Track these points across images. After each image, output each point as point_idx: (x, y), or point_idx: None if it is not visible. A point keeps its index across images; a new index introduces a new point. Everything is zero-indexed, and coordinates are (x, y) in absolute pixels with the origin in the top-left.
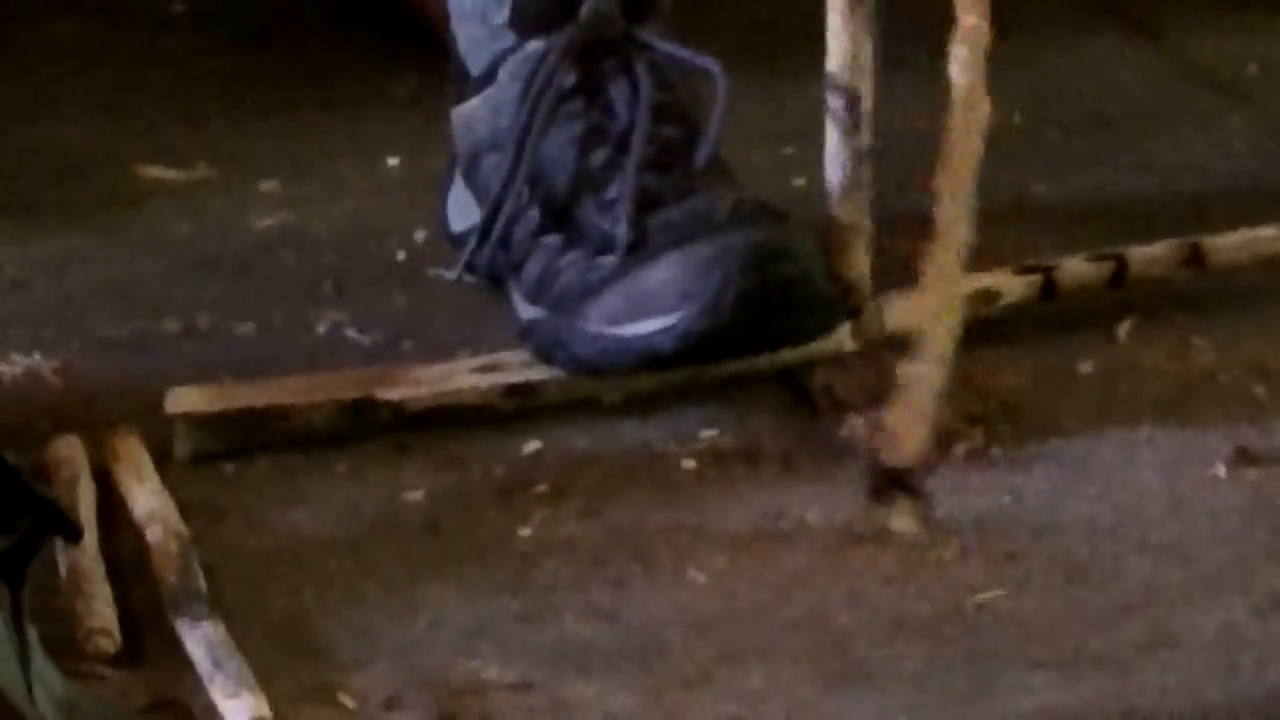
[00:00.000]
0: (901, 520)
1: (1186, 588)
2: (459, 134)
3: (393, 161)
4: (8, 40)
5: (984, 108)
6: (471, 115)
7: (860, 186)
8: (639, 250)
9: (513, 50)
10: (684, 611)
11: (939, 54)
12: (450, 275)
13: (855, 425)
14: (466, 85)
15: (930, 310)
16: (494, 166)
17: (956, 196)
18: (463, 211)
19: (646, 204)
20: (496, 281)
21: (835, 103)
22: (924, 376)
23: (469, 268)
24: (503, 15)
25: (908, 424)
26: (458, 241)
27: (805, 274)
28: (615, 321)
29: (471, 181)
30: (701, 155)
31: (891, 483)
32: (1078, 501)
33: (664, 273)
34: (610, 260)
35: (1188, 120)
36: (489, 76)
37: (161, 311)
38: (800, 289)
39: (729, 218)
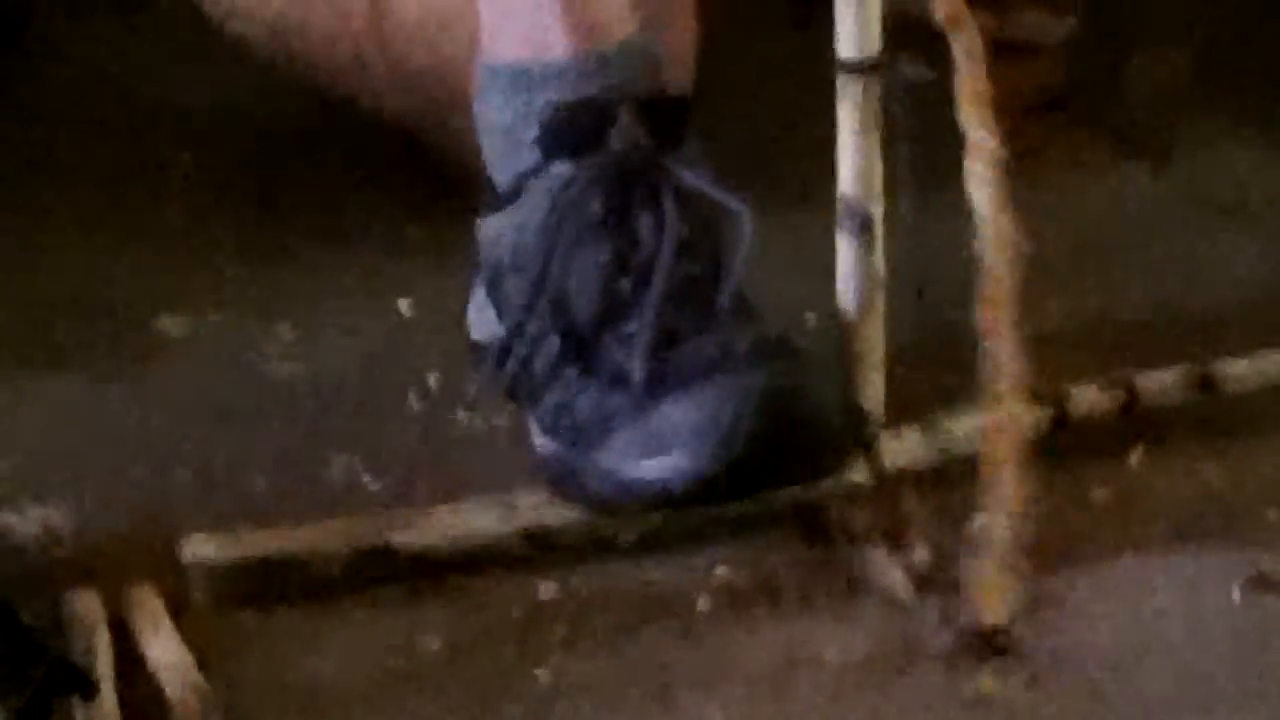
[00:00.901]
0: (997, 681)
1: (1206, 710)
2: (483, 246)
3: (405, 304)
4: (23, 189)
5: (1017, 241)
6: (496, 231)
7: (874, 314)
8: (654, 387)
9: (539, 170)
10: None
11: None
12: (465, 405)
13: (872, 560)
14: (492, 198)
15: (995, 454)
16: (516, 287)
17: (1004, 335)
18: (484, 321)
19: (665, 339)
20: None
21: (847, 226)
22: (999, 527)
23: (485, 390)
24: (530, 133)
25: (993, 580)
26: (477, 350)
27: (819, 414)
28: (629, 458)
29: (494, 294)
30: (723, 295)
31: (984, 643)
32: (1095, 626)
33: (678, 411)
34: (625, 396)
35: (1193, 245)
36: (515, 194)
37: (176, 460)
38: (813, 429)
39: (745, 355)
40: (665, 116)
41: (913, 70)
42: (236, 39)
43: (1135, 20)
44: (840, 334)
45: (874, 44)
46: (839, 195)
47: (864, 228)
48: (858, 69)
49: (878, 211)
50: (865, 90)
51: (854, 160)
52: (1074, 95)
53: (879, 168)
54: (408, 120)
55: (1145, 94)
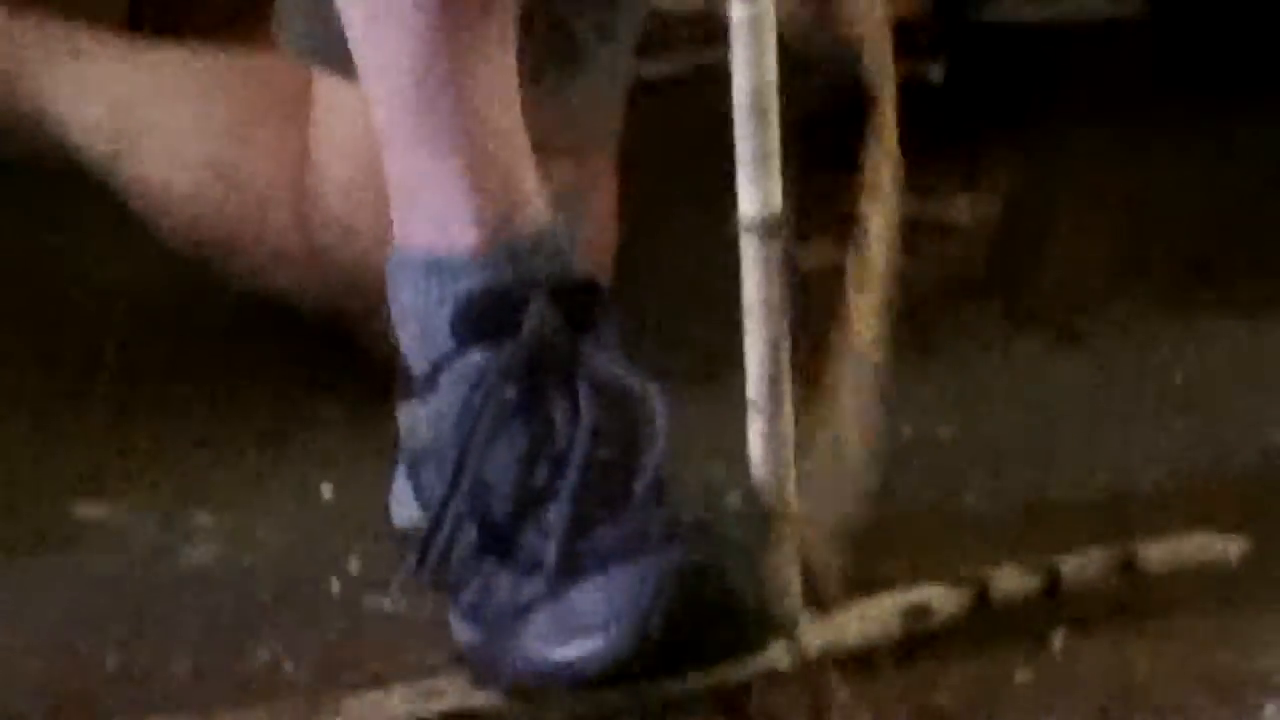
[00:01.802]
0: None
1: None
2: (403, 432)
3: (326, 490)
4: None
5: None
6: (414, 418)
7: (786, 501)
8: (570, 572)
9: (454, 356)
10: None
11: None
12: (388, 593)
13: None
14: (410, 384)
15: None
16: (433, 475)
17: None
18: (405, 504)
19: (581, 525)
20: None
21: (754, 420)
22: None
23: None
24: (444, 320)
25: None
26: (399, 535)
27: (735, 595)
28: (547, 643)
29: (413, 480)
30: (639, 479)
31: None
32: None
33: (593, 595)
34: (540, 582)
35: (1118, 425)
36: (431, 380)
37: (96, 652)
38: (730, 611)
39: (660, 538)
40: (579, 302)
41: None
42: (159, 229)
43: (1052, 204)
44: (757, 517)
45: (775, 202)
46: (748, 371)
47: (774, 408)
48: (760, 229)
49: (786, 390)
50: (767, 249)
51: (761, 359)
52: (993, 277)
53: (786, 366)
54: (329, 308)
55: (1065, 277)
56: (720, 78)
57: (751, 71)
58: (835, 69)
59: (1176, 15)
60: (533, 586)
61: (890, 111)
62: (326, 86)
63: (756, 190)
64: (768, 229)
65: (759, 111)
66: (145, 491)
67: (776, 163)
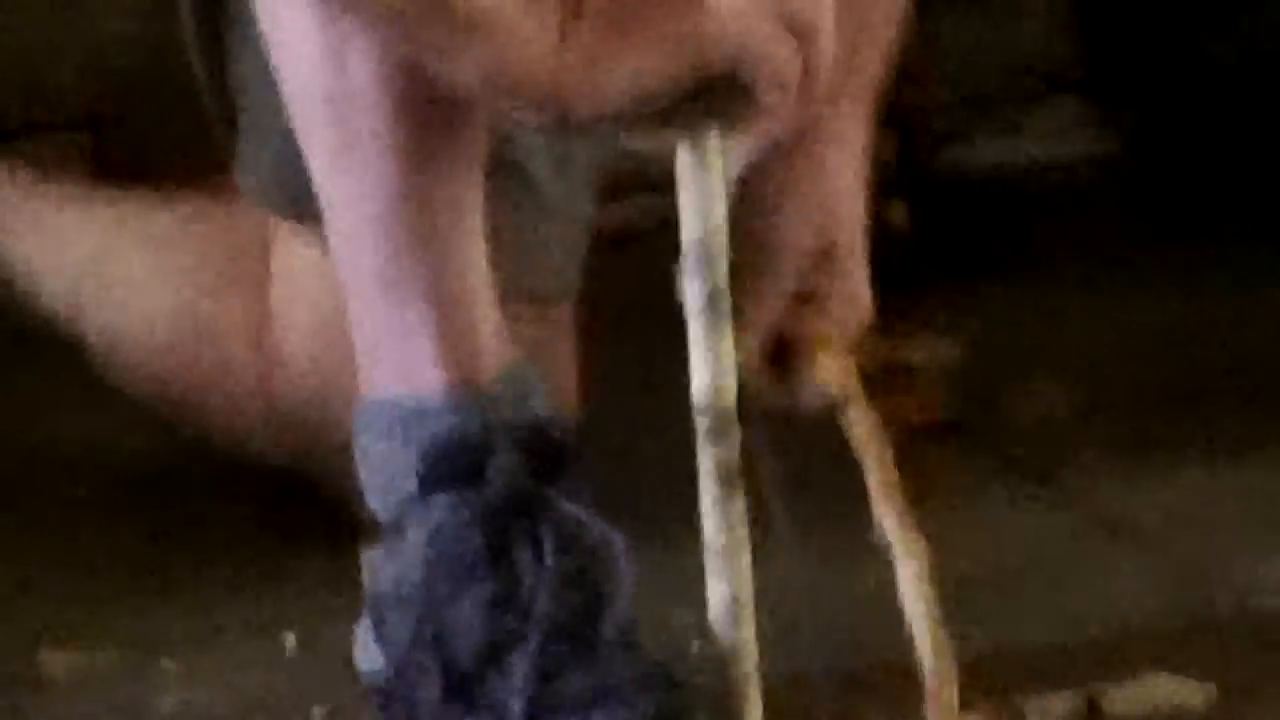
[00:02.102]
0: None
1: None
2: (366, 576)
3: (290, 638)
4: None
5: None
6: (379, 564)
7: (745, 644)
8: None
9: (419, 503)
10: None
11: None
12: None
13: None
14: (375, 529)
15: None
16: (397, 622)
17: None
18: (370, 650)
19: (547, 674)
20: None
21: (713, 578)
22: None
23: None
24: (408, 467)
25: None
26: (366, 678)
27: None
28: None
29: (377, 625)
30: (605, 627)
31: None
32: None
33: None
34: None
35: (1087, 569)
36: (396, 526)
37: None
38: None
39: (626, 688)
40: (543, 446)
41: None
42: (124, 383)
43: (1017, 346)
44: (717, 663)
45: (728, 394)
46: (704, 520)
47: (731, 563)
48: (712, 417)
49: (744, 548)
50: (721, 440)
51: (717, 504)
52: (959, 420)
53: (741, 516)
54: (293, 459)
55: (1030, 417)
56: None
57: (699, 220)
58: None
59: (1150, 154)
60: None
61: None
62: (288, 237)
63: (708, 379)
64: (719, 417)
65: (706, 257)
66: (112, 640)
67: (727, 319)
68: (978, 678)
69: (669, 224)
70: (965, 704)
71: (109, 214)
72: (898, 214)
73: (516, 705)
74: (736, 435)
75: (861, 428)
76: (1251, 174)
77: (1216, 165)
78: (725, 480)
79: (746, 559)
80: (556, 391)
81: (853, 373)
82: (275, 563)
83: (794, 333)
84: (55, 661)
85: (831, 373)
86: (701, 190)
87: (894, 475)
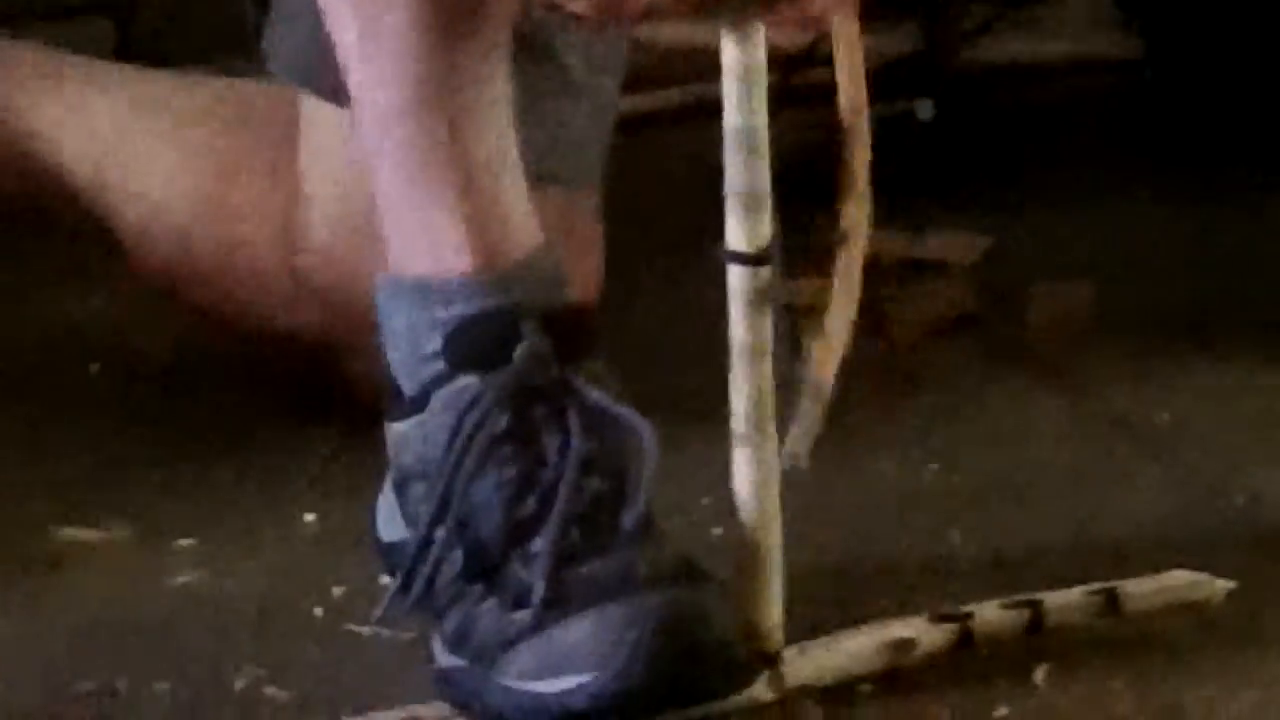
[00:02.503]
0: (801, 444)
1: None
2: (390, 449)
3: (309, 518)
4: None
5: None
6: (402, 438)
7: (770, 536)
8: (556, 607)
9: (444, 380)
10: None
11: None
12: (374, 622)
13: None
14: (399, 403)
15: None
16: (420, 497)
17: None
18: (390, 521)
19: (568, 559)
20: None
21: (740, 455)
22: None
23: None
24: (434, 344)
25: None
26: (385, 550)
27: (720, 638)
28: (529, 677)
29: (400, 498)
30: (627, 514)
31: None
32: None
33: (578, 632)
34: (526, 615)
35: (1102, 469)
36: (420, 402)
37: (78, 673)
38: (714, 653)
39: (647, 577)
40: (570, 330)
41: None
42: (143, 262)
43: (1039, 247)
44: (740, 550)
45: (764, 237)
46: (732, 404)
47: (756, 456)
48: (746, 260)
49: (771, 426)
50: (755, 281)
51: (745, 391)
52: (982, 318)
53: (770, 398)
54: (314, 338)
55: (1051, 319)
56: (714, 111)
57: (743, 113)
58: None
59: (1171, 55)
60: (518, 620)
61: (863, 151)
62: (314, 114)
63: (745, 227)
64: (755, 264)
65: (750, 151)
66: (129, 518)
67: (767, 201)
68: (993, 573)
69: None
70: (979, 599)
71: (132, 94)
72: (923, 110)
73: (537, 588)
74: (768, 324)
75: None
76: (1273, 84)
77: (1236, 75)
78: (756, 346)
79: (773, 446)
80: (580, 275)
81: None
82: (293, 443)
83: None
84: (70, 541)
85: None
86: (746, 80)
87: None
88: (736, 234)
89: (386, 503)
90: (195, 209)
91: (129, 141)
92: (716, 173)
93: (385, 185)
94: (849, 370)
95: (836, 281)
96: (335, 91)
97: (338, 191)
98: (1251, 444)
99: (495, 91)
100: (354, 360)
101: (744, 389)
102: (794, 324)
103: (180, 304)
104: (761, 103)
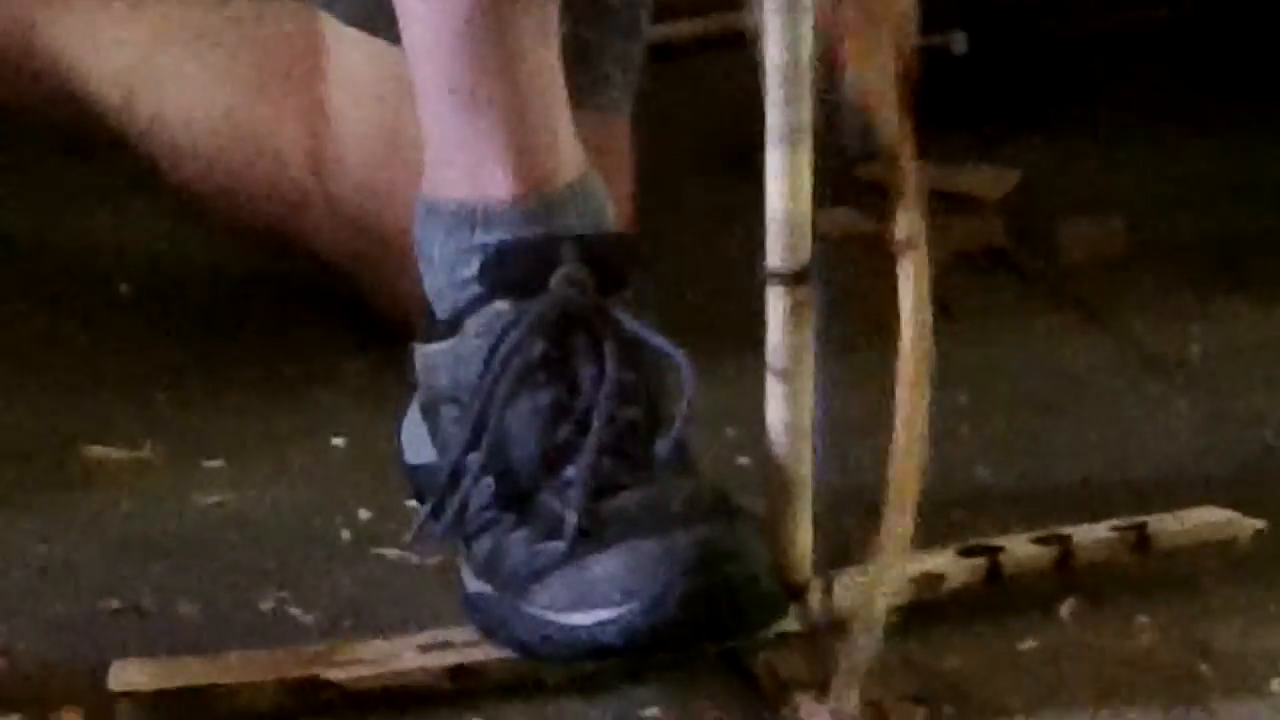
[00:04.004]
0: None
1: None
2: (420, 372)
3: (338, 441)
4: None
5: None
6: (434, 360)
7: (802, 469)
8: (588, 539)
9: (479, 304)
10: None
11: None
12: (404, 547)
13: (798, 706)
14: (432, 326)
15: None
16: (452, 420)
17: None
18: (418, 444)
19: (601, 490)
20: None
21: (775, 389)
22: (858, 650)
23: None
24: (472, 269)
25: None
26: (410, 472)
27: (751, 574)
28: (559, 609)
29: (429, 422)
30: (662, 445)
31: None
32: None
33: (610, 566)
34: (559, 545)
35: (1132, 402)
36: (454, 326)
37: (105, 591)
38: (745, 590)
39: (680, 512)
40: (609, 258)
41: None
42: (172, 180)
43: (1072, 179)
44: (771, 485)
45: (803, 254)
46: (768, 336)
47: (790, 388)
48: (786, 279)
49: (805, 374)
50: (793, 299)
51: (781, 325)
52: (1014, 252)
53: (807, 332)
54: (345, 258)
55: (1082, 253)
56: (744, 42)
57: (786, 46)
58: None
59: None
60: (549, 550)
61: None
62: (340, 38)
63: (784, 162)
64: (793, 280)
65: (791, 85)
66: (158, 438)
67: (808, 136)
68: (1021, 507)
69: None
70: (1007, 533)
71: (162, 14)
72: (957, 43)
73: (570, 519)
74: (809, 255)
75: (892, 129)
76: None
77: (1275, 6)
78: (792, 334)
79: (809, 381)
80: (614, 204)
81: (889, 71)
82: (324, 366)
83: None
84: (99, 459)
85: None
86: (790, 15)
87: (916, 182)
88: (775, 172)
89: (413, 425)
90: (226, 129)
91: (159, 62)
92: (751, 101)
93: (429, 110)
94: (879, 300)
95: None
96: (364, 17)
97: (370, 114)
98: None
99: (544, 20)
100: (385, 282)
101: (779, 319)
102: (826, 254)
103: (212, 224)
104: (807, 37)
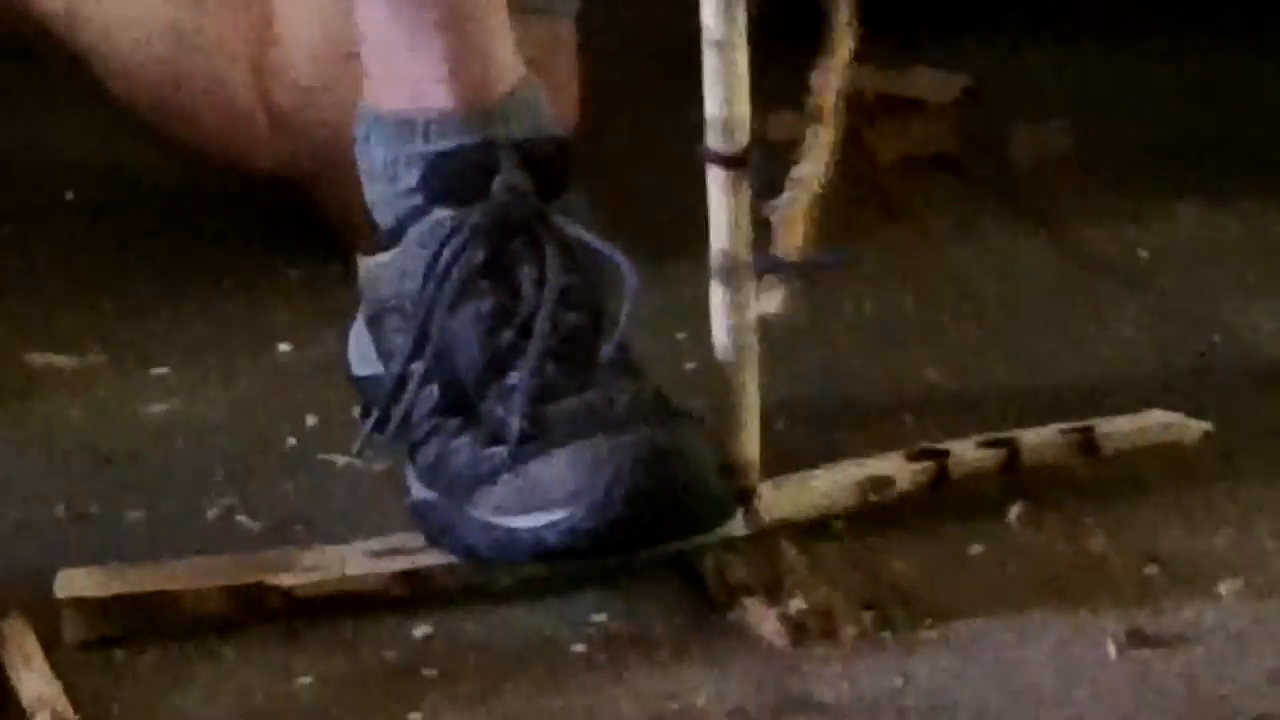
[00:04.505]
0: (773, 302)
1: None
2: (364, 283)
3: (284, 347)
4: None
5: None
6: (378, 271)
7: (748, 366)
8: (533, 442)
9: (421, 214)
10: None
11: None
12: (351, 455)
13: (746, 609)
14: (375, 236)
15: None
16: (396, 329)
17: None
18: (364, 355)
19: (545, 394)
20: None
21: (719, 279)
22: (808, 176)
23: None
24: (413, 178)
25: (791, 220)
26: (356, 382)
27: (697, 475)
28: (504, 513)
29: (374, 333)
30: (605, 349)
31: (770, 269)
32: (968, 685)
33: (555, 468)
34: (503, 450)
35: (1080, 306)
36: (397, 235)
37: (51, 498)
38: (691, 491)
39: (625, 414)
40: (547, 162)
41: None
42: (118, 95)
43: (1021, 87)
44: (718, 388)
45: (743, 137)
46: (711, 256)
47: (733, 288)
48: (726, 161)
49: (748, 268)
50: (733, 181)
51: (724, 221)
52: (962, 156)
53: (748, 227)
54: (290, 169)
55: (1031, 158)
56: None
57: None
58: None
59: None
60: (494, 455)
61: None
62: None
63: (723, 123)
64: (735, 167)
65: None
66: (105, 346)
67: (745, 102)
68: (969, 412)
69: None
70: (955, 437)
71: None
72: None
73: (514, 424)
74: (747, 138)
75: None
76: None
77: None
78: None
79: (751, 285)
80: (559, 110)
81: None
82: (270, 275)
83: None
84: (44, 366)
85: None
86: None
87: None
88: (714, 132)
89: (358, 336)
90: (171, 40)
91: None
92: (693, 9)
93: (370, 20)
94: (827, 205)
95: (820, 116)
96: None
97: (310, 28)
98: (1230, 282)
99: None
100: (329, 194)
101: (721, 224)
102: (771, 159)
103: (158, 136)
104: None
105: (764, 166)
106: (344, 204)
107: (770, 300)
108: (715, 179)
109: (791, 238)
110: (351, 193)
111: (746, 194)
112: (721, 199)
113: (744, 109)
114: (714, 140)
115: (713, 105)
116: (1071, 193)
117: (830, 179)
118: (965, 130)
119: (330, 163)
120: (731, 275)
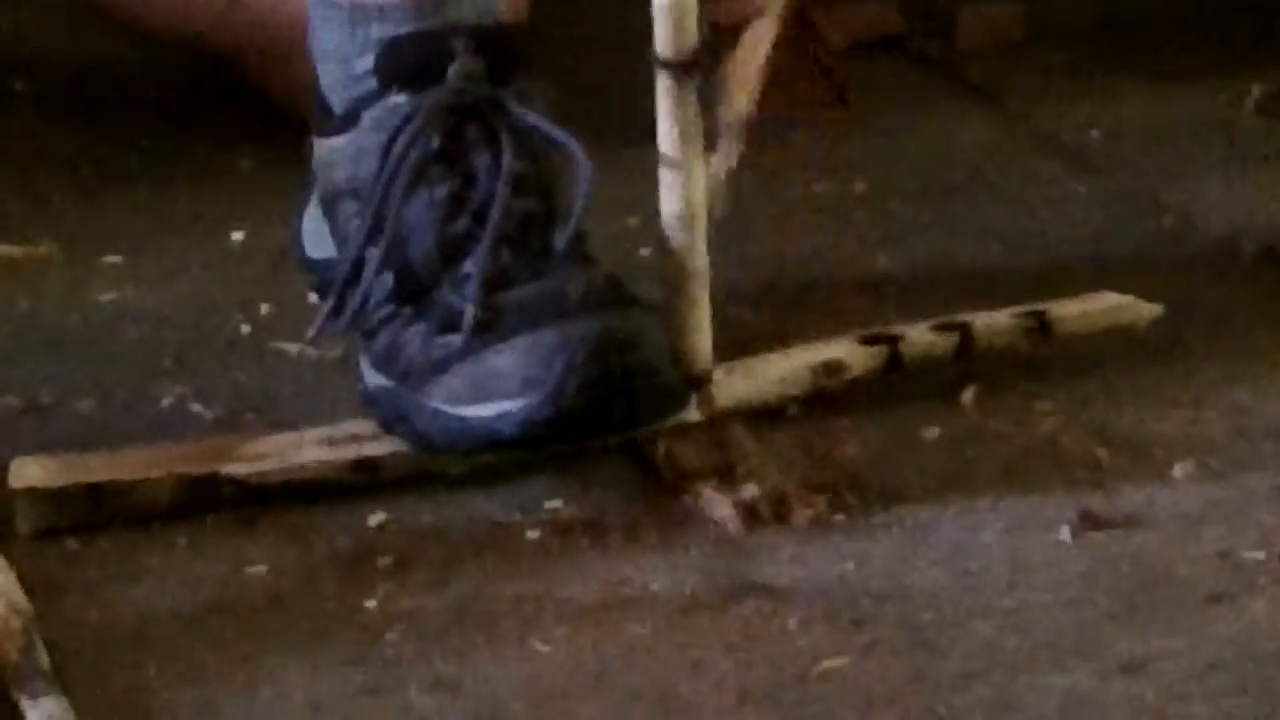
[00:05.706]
0: (720, 160)
1: (1030, 653)
2: (318, 167)
3: (236, 236)
4: None
5: None
6: (332, 155)
7: (698, 253)
8: (486, 331)
9: (375, 98)
10: (528, 682)
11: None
12: (305, 342)
13: (699, 495)
14: (328, 120)
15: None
16: (351, 215)
17: None
18: (317, 239)
19: (498, 282)
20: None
21: (667, 176)
22: (761, 33)
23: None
24: (365, 62)
25: (743, 76)
26: (309, 266)
27: (651, 362)
28: (458, 402)
29: (328, 217)
30: (559, 237)
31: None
32: (921, 568)
33: (508, 357)
34: (457, 339)
35: (1031, 187)
36: (350, 119)
37: (2, 388)
38: (645, 378)
39: (578, 302)
40: (502, 48)
41: None
42: None
43: None
44: (668, 275)
45: (689, 43)
46: (659, 125)
47: (682, 177)
48: (673, 67)
49: (695, 161)
50: (681, 88)
51: (670, 113)
52: (910, 38)
53: (695, 118)
54: (244, 51)
55: (980, 38)
56: None
57: None
58: None
59: None
60: (448, 343)
61: None
62: None
63: (671, 31)
64: (681, 68)
65: None
66: (57, 235)
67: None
68: (921, 296)
69: None
70: (907, 321)
71: None
72: None
73: (468, 312)
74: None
75: None
76: None
77: None
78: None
79: (700, 167)
80: None
81: None
82: (221, 160)
83: None
84: None
85: None
86: None
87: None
88: (663, 40)
89: (312, 220)
90: None
91: None
92: None
93: None
94: (777, 86)
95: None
96: None
97: None
98: (1180, 162)
99: None
100: (283, 75)
101: (669, 107)
102: (717, 42)
103: (110, 18)
104: None
105: (711, 64)
106: (297, 86)
107: (722, 159)
108: (663, 84)
109: (743, 94)
110: (305, 74)
111: (694, 100)
112: (669, 104)
113: (691, 15)
114: (662, 46)
115: (660, 8)
116: (1022, 73)
117: (780, 62)
118: (914, 11)
119: (284, 43)
120: (681, 160)
